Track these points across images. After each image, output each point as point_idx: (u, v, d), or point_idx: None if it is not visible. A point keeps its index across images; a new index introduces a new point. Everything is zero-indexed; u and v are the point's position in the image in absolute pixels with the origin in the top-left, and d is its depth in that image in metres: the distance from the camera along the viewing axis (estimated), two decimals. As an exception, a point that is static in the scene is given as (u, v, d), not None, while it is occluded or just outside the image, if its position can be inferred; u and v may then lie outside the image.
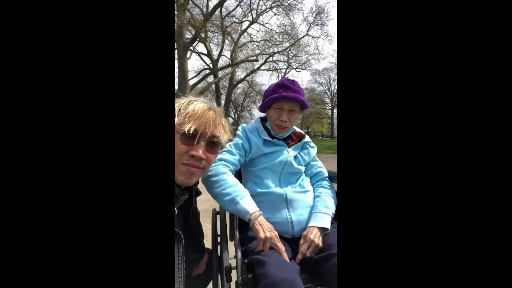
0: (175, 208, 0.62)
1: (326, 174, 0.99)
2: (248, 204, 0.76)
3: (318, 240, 0.76)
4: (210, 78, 13.44)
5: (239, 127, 1.00)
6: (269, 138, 0.94)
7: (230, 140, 0.75)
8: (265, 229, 0.72)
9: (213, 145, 0.66)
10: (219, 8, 11.60)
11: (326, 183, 0.96)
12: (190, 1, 9.28)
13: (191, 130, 0.60)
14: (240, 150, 0.93)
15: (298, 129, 1.04)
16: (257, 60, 13.77)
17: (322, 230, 0.79)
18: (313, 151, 1.02)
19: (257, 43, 15.53)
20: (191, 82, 10.61)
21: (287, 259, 0.69)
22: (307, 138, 1.01)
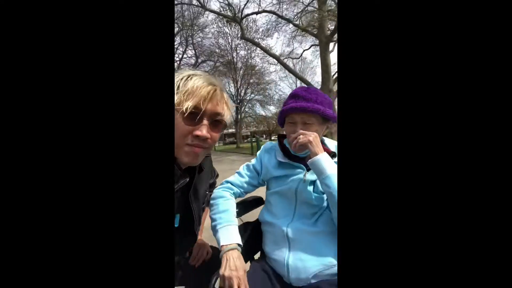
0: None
1: None
2: (224, 235, 0.69)
3: None
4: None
5: (262, 146, 0.92)
6: (282, 159, 0.81)
7: (232, 117, 0.70)
8: (228, 266, 0.63)
9: (217, 123, 0.62)
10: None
11: None
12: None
13: (189, 108, 0.55)
14: (251, 172, 0.86)
15: (333, 145, 0.81)
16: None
17: None
18: None
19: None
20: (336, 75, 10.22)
21: None
22: (335, 159, 0.77)
